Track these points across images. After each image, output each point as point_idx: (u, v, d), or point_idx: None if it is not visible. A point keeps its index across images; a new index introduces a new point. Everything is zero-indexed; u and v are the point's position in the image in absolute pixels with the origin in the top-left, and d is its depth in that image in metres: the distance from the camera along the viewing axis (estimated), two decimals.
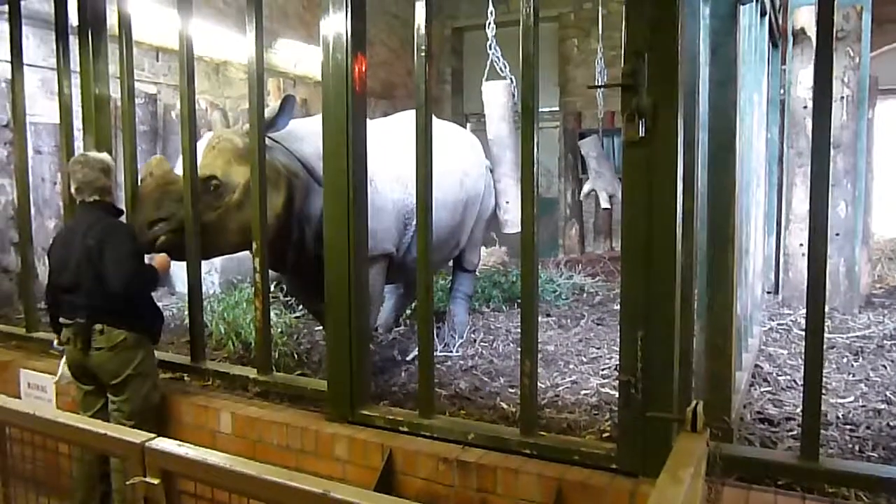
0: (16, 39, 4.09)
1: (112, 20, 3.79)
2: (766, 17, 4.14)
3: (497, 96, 4.70)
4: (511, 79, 4.75)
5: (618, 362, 3.98)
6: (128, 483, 1.75)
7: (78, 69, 3.87)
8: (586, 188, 7.19)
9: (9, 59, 4.16)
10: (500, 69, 4.83)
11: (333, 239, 3.00)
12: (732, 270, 2.90)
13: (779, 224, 5.76)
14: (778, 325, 4.96)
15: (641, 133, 2.30)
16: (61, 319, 3.23)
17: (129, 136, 3.72)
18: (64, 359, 3.31)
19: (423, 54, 2.77)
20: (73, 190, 3.28)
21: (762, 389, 3.67)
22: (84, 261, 3.12)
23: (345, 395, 3.04)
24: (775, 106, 5.54)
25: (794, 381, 3.71)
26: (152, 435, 1.80)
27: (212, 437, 3.27)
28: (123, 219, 3.45)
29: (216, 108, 6.35)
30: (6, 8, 4.18)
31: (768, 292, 5.66)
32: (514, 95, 4.71)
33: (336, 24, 2.91)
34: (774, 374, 3.89)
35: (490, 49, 4.84)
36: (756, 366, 4.00)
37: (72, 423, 1.89)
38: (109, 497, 3.26)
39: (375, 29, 7.77)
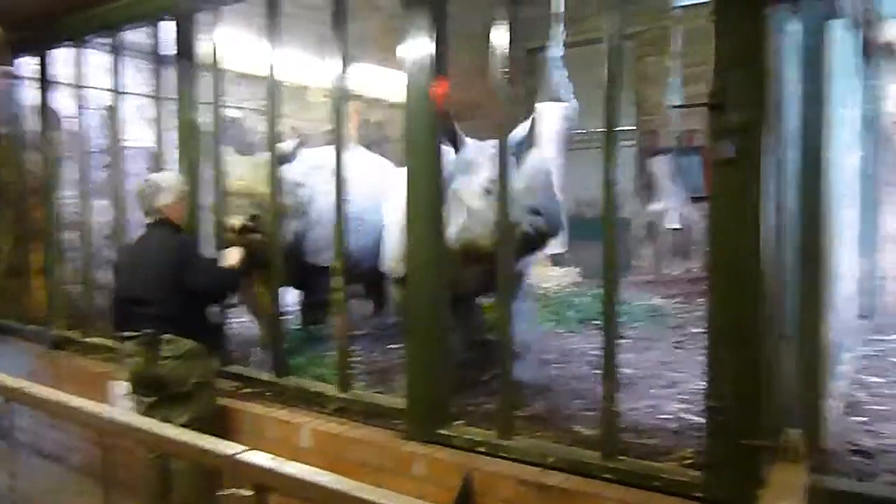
0: (117, 69, 4.36)
1: (203, 50, 4.00)
2: (857, 32, 3.99)
3: (549, 118, 4.67)
4: (569, 100, 4.71)
5: (698, 387, 3.91)
6: (221, 494, 1.82)
7: (172, 96, 4.08)
8: (657, 207, 7.06)
9: (108, 87, 4.44)
10: (561, 91, 4.80)
11: (416, 257, 3.04)
12: (822, 293, 2.79)
13: (870, 245, 5.49)
14: (872, 351, 4.71)
15: (729, 152, 2.26)
16: (126, 333, 3.43)
17: (217, 159, 3.90)
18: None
19: (505, 76, 2.80)
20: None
21: (855, 419, 3.48)
22: (155, 275, 3.36)
23: (424, 414, 3.06)
24: (866, 123, 5.32)
25: (891, 411, 3.51)
26: (244, 447, 1.86)
27: (293, 452, 3.34)
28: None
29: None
30: (104, 40, 4.47)
31: (860, 317, 5.39)
32: (569, 118, 4.67)
33: (419, 47, 2.98)
34: (868, 404, 3.69)
35: (552, 70, 4.82)
36: (848, 394, 3.80)
37: (170, 434, 1.97)
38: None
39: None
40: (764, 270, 2.28)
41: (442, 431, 3.03)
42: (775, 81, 2.37)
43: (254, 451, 1.83)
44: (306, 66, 7.13)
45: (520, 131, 3.63)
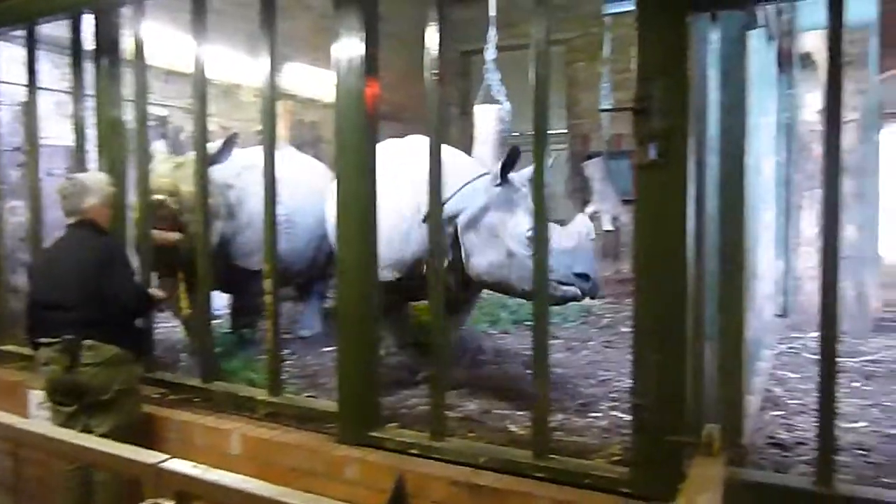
0: (31, 63, 4.16)
1: (126, 44, 3.87)
2: (774, 42, 4.18)
3: (485, 120, 4.74)
4: (503, 103, 4.79)
5: (627, 385, 4.01)
6: None
7: (92, 93, 3.93)
8: (590, 210, 7.21)
9: (23, 82, 4.23)
10: (494, 93, 4.87)
11: (347, 259, 3.01)
12: (742, 293, 2.90)
13: (787, 247, 5.76)
14: (788, 348, 4.94)
15: (653, 156, 2.32)
16: (42, 339, 3.25)
17: (141, 159, 3.77)
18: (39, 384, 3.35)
19: (434, 77, 2.81)
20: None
21: (773, 414, 3.64)
22: (76, 278, 3.20)
23: (355, 417, 3.04)
24: (782, 130, 5.57)
25: (806, 405, 3.68)
26: (166, 455, 1.80)
27: (222, 459, 3.25)
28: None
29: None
30: (20, 32, 4.26)
31: (777, 315, 5.64)
32: (503, 120, 4.74)
33: (349, 48, 2.95)
34: (785, 399, 3.87)
35: (487, 73, 4.89)
36: (766, 390, 3.97)
37: (87, 444, 1.89)
38: None
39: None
40: (687, 271, 2.36)
41: (374, 434, 3.01)
42: (697, 88, 2.45)
43: (176, 460, 1.77)
44: (237, 64, 6.98)
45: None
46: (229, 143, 4.11)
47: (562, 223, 3.50)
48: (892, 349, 4.93)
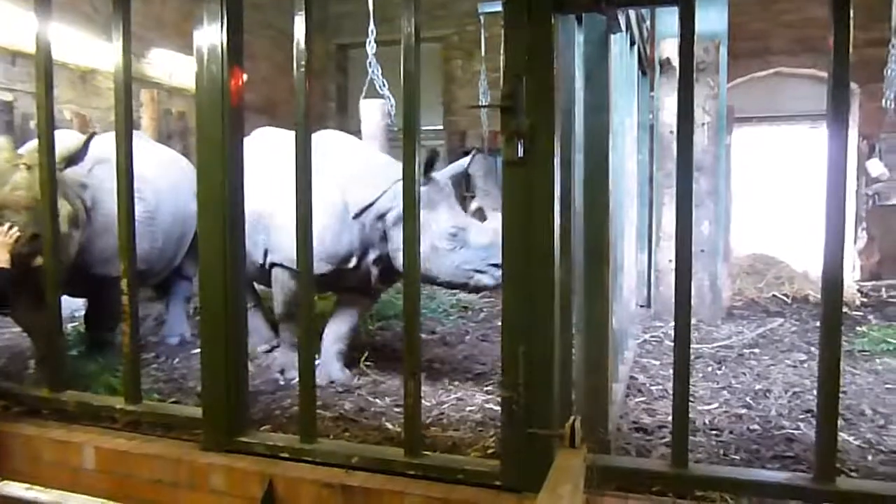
0: None
1: None
2: (636, 47, 4.38)
3: (371, 114, 4.72)
4: (389, 97, 4.78)
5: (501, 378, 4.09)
6: None
7: None
8: (474, 206, 7.31)
9: None
10: (379, 87, 4.85)
11: (209, 256, 2.86)
12: (608, 286, 3.02)
13: (650, 241, 6.09)
14: (651, 337, 5.22)
15: (520, 153, 2.36)
16: None
17: None
18: None
19: (302, 69, 2.72)
20: None
21: (637, 400, 3.83)
22: None
23: (222, 422, 2.90)
24: (645, 130, 5.88)
25: (666, 390, 3.90)
26: None
27: (73, 474, 3.00)
28: None
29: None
30: None
31: (641, 306, 5.96)
32: (389, 114, 4.76)
33: (211, 35, 2.80)
34: (648, 385, 4.08)
35: (370, 67, 4.85)
36: (631, 377, 4.17)
37: None
38: None
39: (259, 43, 7.62)
40: (554, 265, 2.42)
41: (242, 439, 2.89)
42: (563, 88, 2.52)
43: (8, 481, 1.61)
44: (95, 47, 6.52)
45: (454, 167, 4.11)
46: (89, 143, 3.65)
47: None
48: (742, 335, 5.33)
